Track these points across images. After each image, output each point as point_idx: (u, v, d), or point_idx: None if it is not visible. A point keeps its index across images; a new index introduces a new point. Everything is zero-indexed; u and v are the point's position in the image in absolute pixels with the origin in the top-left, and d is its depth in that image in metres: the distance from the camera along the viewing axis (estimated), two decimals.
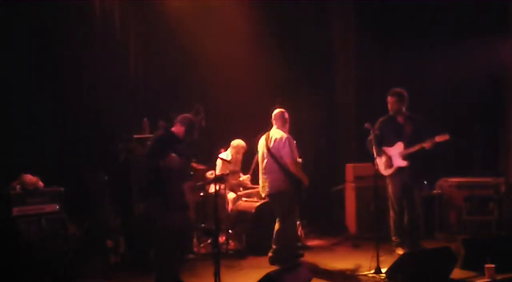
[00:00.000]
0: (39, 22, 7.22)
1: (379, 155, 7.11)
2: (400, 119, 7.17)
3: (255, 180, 7.68)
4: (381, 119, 7.24)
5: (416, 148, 6.94)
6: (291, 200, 6.83)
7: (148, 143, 5.91)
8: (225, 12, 8.96)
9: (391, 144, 7.15)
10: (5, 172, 6.42)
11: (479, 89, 9.20)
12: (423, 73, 9.01)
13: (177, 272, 5.87)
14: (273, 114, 7.01)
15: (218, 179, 6.20)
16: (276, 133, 6.90)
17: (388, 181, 7.23)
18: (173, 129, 5.90)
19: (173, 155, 5.67)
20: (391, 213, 7.25)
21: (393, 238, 7.22)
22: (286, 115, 7.00)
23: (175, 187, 5.71)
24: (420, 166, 7.13)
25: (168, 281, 5.76)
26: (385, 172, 7.18)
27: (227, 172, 7.29)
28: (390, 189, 7.22)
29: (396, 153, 7.10)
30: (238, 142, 8.09)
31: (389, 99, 7.14)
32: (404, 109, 7.14)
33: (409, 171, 7.05)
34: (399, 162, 7.08)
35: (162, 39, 8.42)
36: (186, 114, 5.97)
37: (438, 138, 6.84)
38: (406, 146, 7.03)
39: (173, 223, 5.69)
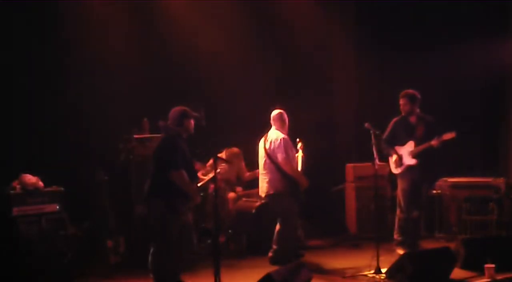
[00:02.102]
0: (39, 22, 7.22)
1: (389, 153, 7.25)
2: (412, 119, 7.22)
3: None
4: (394, 119, 7.31)
5: (424, 146, 6.98)
6: (289, 201, 6.83)
7: (162, 146, 5.80)
8: (224, 11, 8.96)
9: (402, 143, 7.20)
10: (5, 172, 6.42)
11: (479, 89, 9.20)
12: (423, 73, 9.00)
13: (178, 273, 5.86)
14: (271, 116, 7.02)
15: (213, 179, 6.20)
16: (273, 134, 6.91)
17: (398, 179, 7.27)
18: (170, 128, 5.84)
19: (179, 172, 5.61)
20: (398, 211, 7.25)
21: (395, 236, 7.21)
22: (285, 116, 7.00)
23: (180, 189, 5.68)
24: (430, 165, 7.14)
25: None
26: (396, 170, 7.24)
27: (218, 170, 7.19)
28: (399, 187, 7.25)
29: (406, 151, 7.14)
30: (232, 151, 7.97)
31: (401, 101, 7.19)
32: (417, 110, 7.18)
33: (418, 169, 7.07)
34: (409, 160, 7.11)
35: (162, 39, 8.42)
36: (176, 108, 5.89)
37: (446, 136, 6.89)
38: (417, 145, 7.07)
39: (176, 226, 5.68)
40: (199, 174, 7.11)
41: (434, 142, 6.90)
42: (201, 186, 6.26)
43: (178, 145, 5.73)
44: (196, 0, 8.76)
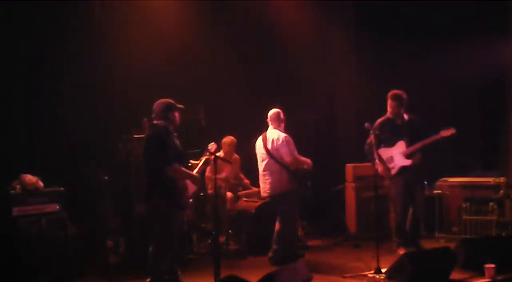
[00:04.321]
0: (39, 22, 7.22)
1: (378, 159, 7.06)
2: (399, 121, 7.14)
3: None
4: (379, 120, 7.17)
5: (420, 144, 6.92)
6: (293, 200, 6.83)
7: (149, 144, 5.80)
8: (224, 12, 8.97)
9: (391, 144, 7.13)
10: (5, 172, 6.42)
11: (479, 89, 9.20)
12: (423, 73, 9.01)
13: (176, 273, 5.86)
14: (268, 115, 7.01)
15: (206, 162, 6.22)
16: (273, 134, 6.89)
17: (389, 181, 7.18)
18: (156, 122, 5.79)
19: (178, 165, 5.61)
20: (392, 214, 7.22)
21: (394, 238, 7.18)
22: (282, 115, 6.99)
23: (178, 186, 5.68)
24: (422, 165, 7.10)
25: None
26: (387, 172, 7.12)
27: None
28: (392, 189, 7.17)
29: (398, 152, 7.08)
30: (228, 139, 8.04)
31: (391, 103, 7.07)
32: (402, 110, 7.12)
33: (411, 170, 7.03)
34: (403, 161, 7.03)
35: (162, 39, 8.43)
36: (160, 101, 5.82)
37: (444, 133, 6.82)
38: (408, 145, 7.02)
39: (176, 222, 5.70)
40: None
41: (431, 139, 6.83)
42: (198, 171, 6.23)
43: (165, 140, 5.67)
44: (196, 0, 8.77)
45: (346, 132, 10.01)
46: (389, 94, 7.12)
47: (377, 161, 6.84)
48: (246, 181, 8.38)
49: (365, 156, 6.91)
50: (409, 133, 7.05)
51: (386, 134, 7.11)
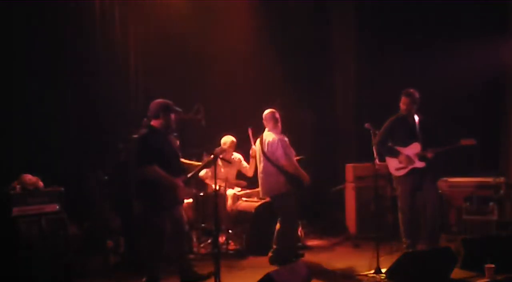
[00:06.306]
0: (39, 22, 7.22)
1: (394, 155, 7.05)
2: (411, 119, 7.13)
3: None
4: (392, 118, 7.17)
5: (439, 149, 6.90)
6: (291, 200, 6.82)
7: (135, 144, 5.85)
8: (225, 12, 8.97)
9: (404, 144, 7.08)
10: (5, 172, 6.42)
11: (479, 89, 9.19)
12: (423, 73, 9.00)
13: (179, 272, 5.87)
14: (263, 116, 6.97)
15: (207, 164, 6.18)
16: (268, 136, 6.88)
17: (397, 181, 7.16)
18: (152, 123, 5.85)
19: (152, 167, 5.59)
20: (400, 214, 7.13)
21: (404, 240, 7.09)
22: (277, 115, 6.96)
23: (163, 186, 5.69)
24: (432, 167, 7.08)
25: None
26: (398, 172, 7.09)
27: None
28: (400, 189, 7.12)
29: (412, 153, 7.03)
30: (227, 139, 8.01)
31: (404, 99, 7.06)
32: (414, 109, 7.12)
33: (421, 172, 7.00)
34: (416, 163, 7.00)
35: (162, 39, 8.43)
36: (155, 101, 5.85)
37: (464, 142, 6.84)
38: (423, 148, 6.97)
39: (164, 222, 5.72)
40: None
41: (451, 146, 6.82)
42: (194, 173, 6.19)
43: (149, 140, 5.70)
44: (199, 0, 8.77)
45: (346, 133, 10.01)
46: (403, 91, 7.11)
47: (377, 160, 6.83)
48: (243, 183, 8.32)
49: (379, 155, 6.81)
50: (422, 134, 7.03)
51: (398, 133, 7.11)
